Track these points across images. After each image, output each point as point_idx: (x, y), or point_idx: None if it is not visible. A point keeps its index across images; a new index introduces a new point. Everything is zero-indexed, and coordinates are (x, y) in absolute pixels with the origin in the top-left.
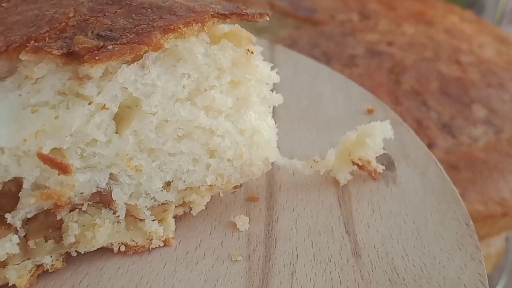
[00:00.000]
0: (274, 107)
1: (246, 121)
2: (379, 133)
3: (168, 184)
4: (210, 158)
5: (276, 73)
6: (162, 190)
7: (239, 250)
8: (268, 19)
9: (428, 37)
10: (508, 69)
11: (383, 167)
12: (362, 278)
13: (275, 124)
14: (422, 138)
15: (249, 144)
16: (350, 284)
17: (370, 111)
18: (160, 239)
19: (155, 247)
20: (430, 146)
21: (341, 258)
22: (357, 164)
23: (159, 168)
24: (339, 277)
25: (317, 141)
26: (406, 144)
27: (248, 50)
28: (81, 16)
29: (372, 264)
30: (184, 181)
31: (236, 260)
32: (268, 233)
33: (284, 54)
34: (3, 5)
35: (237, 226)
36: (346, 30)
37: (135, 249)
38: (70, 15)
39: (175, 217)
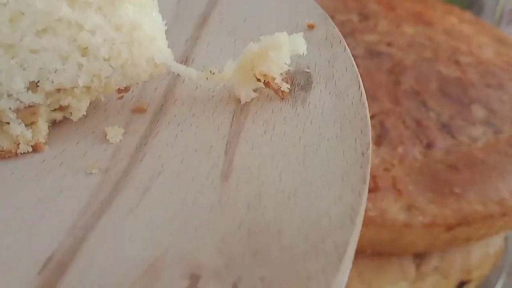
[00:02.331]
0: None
1: (121, 15)
2: (287, 46)
3: (35, 84)
4: (82, 56)
5: None
6: (27, 91)
7: (99, 162)
8: None
9: (428, 38)
10: (507, 69)
11: (288, 85)
12: (219, 202)
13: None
14: (421, 138)
15: (128, 42)
16: (203, 206)
17: (310, 27)
18: (28, 144)
19: (24, 152)
20: (429, 146)
21: (207, 179)
22: (263, 81)
23: (20, 66)
24: (195, 198)
25: (239, 55)
26: (336, 64)
27: None
28: None
29: (236, 187)
30: (52, 82)
31: (91, 173)
32: (140, 147)
33: None
34: None
35: (107, 137)
36: (346, 30)
37: (1, 154)
38: None
39: (53, 122)
